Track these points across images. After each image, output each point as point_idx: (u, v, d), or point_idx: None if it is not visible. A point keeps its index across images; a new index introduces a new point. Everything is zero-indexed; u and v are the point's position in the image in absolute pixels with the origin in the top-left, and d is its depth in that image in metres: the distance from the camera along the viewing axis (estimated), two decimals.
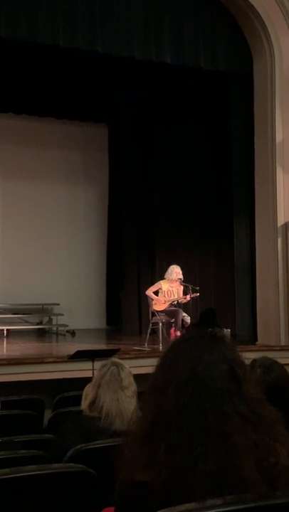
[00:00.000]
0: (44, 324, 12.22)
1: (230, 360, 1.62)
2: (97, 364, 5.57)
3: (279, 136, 9.03)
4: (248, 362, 1.70)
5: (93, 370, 5.82)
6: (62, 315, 11.99)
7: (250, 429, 1.54)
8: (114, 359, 3.79)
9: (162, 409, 1.56)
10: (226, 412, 1.53)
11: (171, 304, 9.34)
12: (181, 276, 9.36)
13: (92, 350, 6.93)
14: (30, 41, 8.08)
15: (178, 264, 9.55)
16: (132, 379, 3.49)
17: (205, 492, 1.46)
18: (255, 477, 1.49)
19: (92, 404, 3.37)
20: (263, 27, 9.09)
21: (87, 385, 3.58)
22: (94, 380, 3.55)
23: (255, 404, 1.59)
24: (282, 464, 1.53)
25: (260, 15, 9.04)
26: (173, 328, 9.22)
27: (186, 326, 9.13)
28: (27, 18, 7.83)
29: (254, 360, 2.95)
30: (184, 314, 9.22)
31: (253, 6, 8.99)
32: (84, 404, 3.50)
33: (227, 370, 1.59)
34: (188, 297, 9.23)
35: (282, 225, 8.95)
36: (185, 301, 9.32)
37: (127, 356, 7.52)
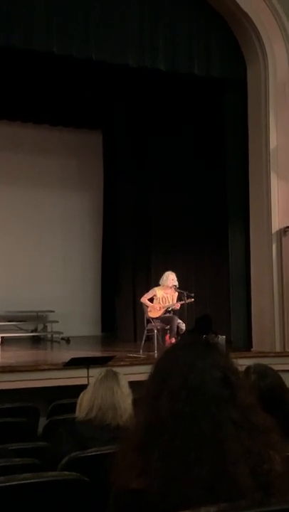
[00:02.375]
0: (39, 331, 12.19)
1: (224, 367, 1.61)
2: (92, 371, 5.57)
3: (273, 143, 9.06)
4: (241, 368, 1.69)
5: (88, 377, 5.82)
6: (57, 322, 11.96)
7: (243, 436, 1.53)
8: (111, 368, 3.81)
9: (156, 416, 1.56)
10: (219, 419, 1.53)
11: (166, 311, 9.33)
12: (176, 283, 9.35)
13: (87, 358, 6.92)
14: (24, 48, 8.10)
15: (173, 271, 9.54)
16: (127, 384, 3.50)
17: (199, 499, 1.45)
18: (250, 484, 1.49)
19: (87, 408, 3.37)
20: (257, 34, 9.12)
21: (82, 392, 3.58)
22: (89, 385, 3.55)
23: (249, 411, 1.58)
24: (276, 470, 1.53)
25: (253, 22, 9.07)
26: (168, 335, 9.20)
27: (182, 332, 9.11)
28: (21, 25, 7.84)
29: (248, 367, 2.94)
30: (179, 321, 9.21)
31: (246, 13, 9.03)
32: (78, 411, 3.49)
33: (220, 377, 1.59)
34: (181, 302, 9.22)
35: (276, 232, 8.96)
36: (177, 306, 9.30)
37: (122, 363, 7.50)
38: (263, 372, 2.92)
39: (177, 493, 1.47)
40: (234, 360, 1.68)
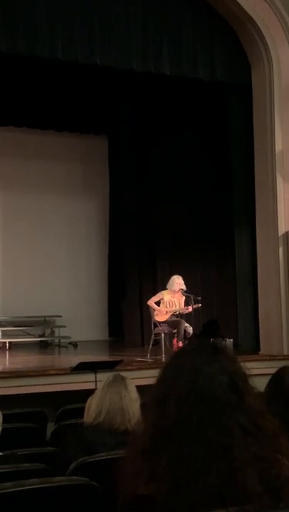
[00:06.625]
0: (46, 336, 12.20)
1: (231, 371, 1.61)
2: (100, 376, 5.57)
3: (278, 146, 9.05)
4: (250, 372, 1.69)
5: (96, 381, 5.82)
6: (65, 327, 11.98)
7: (251, 442, 1.53)
8: (118, 373, 3.81)
9: (163, 422, 1.56)
10: (226, 424, 1.52)
11: (173, 315, 9.32)
12: (183, 287, 9.32)
13: (95, 362, 6.92)
14: (29, 55, 8.12)
15: (179, 275, 9.52)
16: (135, 388, 3.51)
17: (207, 505, 1.45)
18: (258, 489, 1.48)
19: (95, 413, 3.37)
20: (262, 38, 9.13)
21: (90, 397, 3.58)
22: (97, 390, 3.56)
23: (257, 416, 1.58)
24: (285, 475, 1.52)
25: (258, 26, 9.08)
26: (175, 339, 9.18)
27: (189, 336, 9.10)
28: (26, 32, 7.86)
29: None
30: (187, 325, 9.19)
31: (251, 17, 9.03)
32: (86, 416, 3.49)
33: (227, 382, 1.58)
34: (190, 308, 9.19)
35: (283, 234, 8.95)
36: (187, 312, 9.29)
37: (130, 367, 7.50)
38: None
39: (185, 499, 1.46)
40: (242, 365, 1.67)
